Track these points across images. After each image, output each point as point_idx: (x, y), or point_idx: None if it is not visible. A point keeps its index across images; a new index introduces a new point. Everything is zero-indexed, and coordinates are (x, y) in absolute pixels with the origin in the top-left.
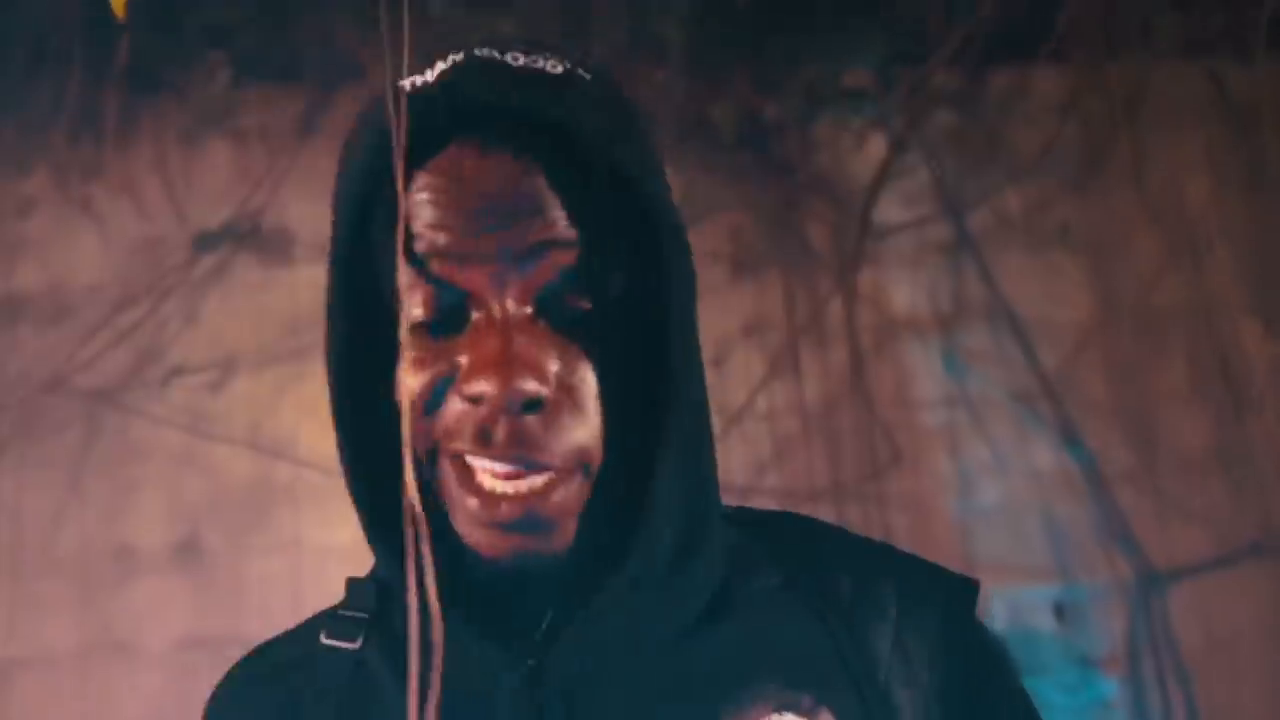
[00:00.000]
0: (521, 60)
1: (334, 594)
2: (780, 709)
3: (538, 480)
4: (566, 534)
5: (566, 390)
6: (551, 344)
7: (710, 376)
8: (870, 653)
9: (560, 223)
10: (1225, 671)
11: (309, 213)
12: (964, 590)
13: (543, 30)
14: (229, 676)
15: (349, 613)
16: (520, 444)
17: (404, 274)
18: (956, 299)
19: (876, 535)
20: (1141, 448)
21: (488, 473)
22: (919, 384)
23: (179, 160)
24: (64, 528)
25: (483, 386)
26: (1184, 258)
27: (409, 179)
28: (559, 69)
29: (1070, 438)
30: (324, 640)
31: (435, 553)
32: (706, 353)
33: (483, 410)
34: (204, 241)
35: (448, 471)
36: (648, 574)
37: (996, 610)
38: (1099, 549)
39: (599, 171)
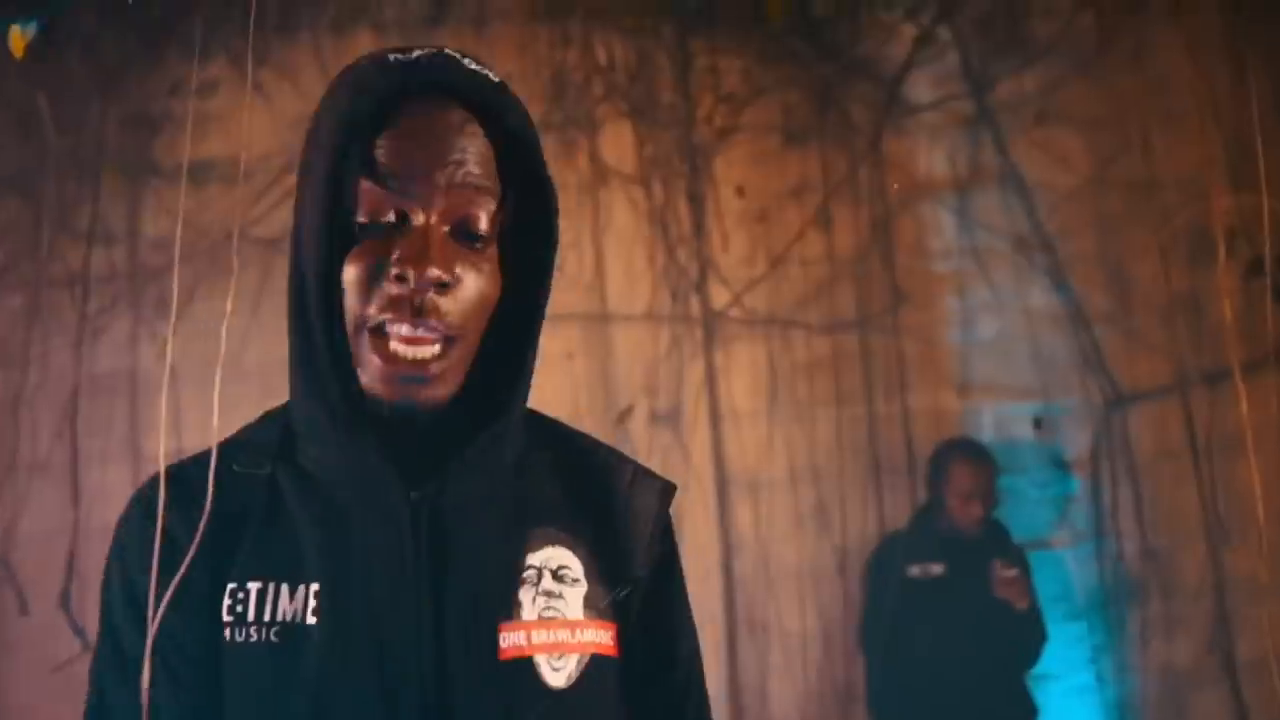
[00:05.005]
0: (474, 66)
1: None
2: (554, 543)
3: (429, 350)
4: (446, 389)
5: (465, 288)
6: (456, 254)
7: (757, 231)
8: (605, 519)
9: (478, 171)
10: (1169, 476)
11: None
12: (668, 489)
13: None
14: (140, 498)
15: (257, 441)
16: (423, 313)
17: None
18: (973, 166)
19: (893, 360)
20: (1118, 291)
21: (398, 339)
22: (935, 236)
23: (330, 49)
24: (249, 345)
25: (406, 268)
26: (1170, 133)
27: (383, 124)
28: (496, 80)
29: (1059, 282)
30: (236, 469)
31: (345, 402)
32: (758, 209)
33: (406, 288)
34: None
35: (365, 341)
36: (505, 431)
37: (985, 422)
38: (1075, 374)
39: (514, 150)
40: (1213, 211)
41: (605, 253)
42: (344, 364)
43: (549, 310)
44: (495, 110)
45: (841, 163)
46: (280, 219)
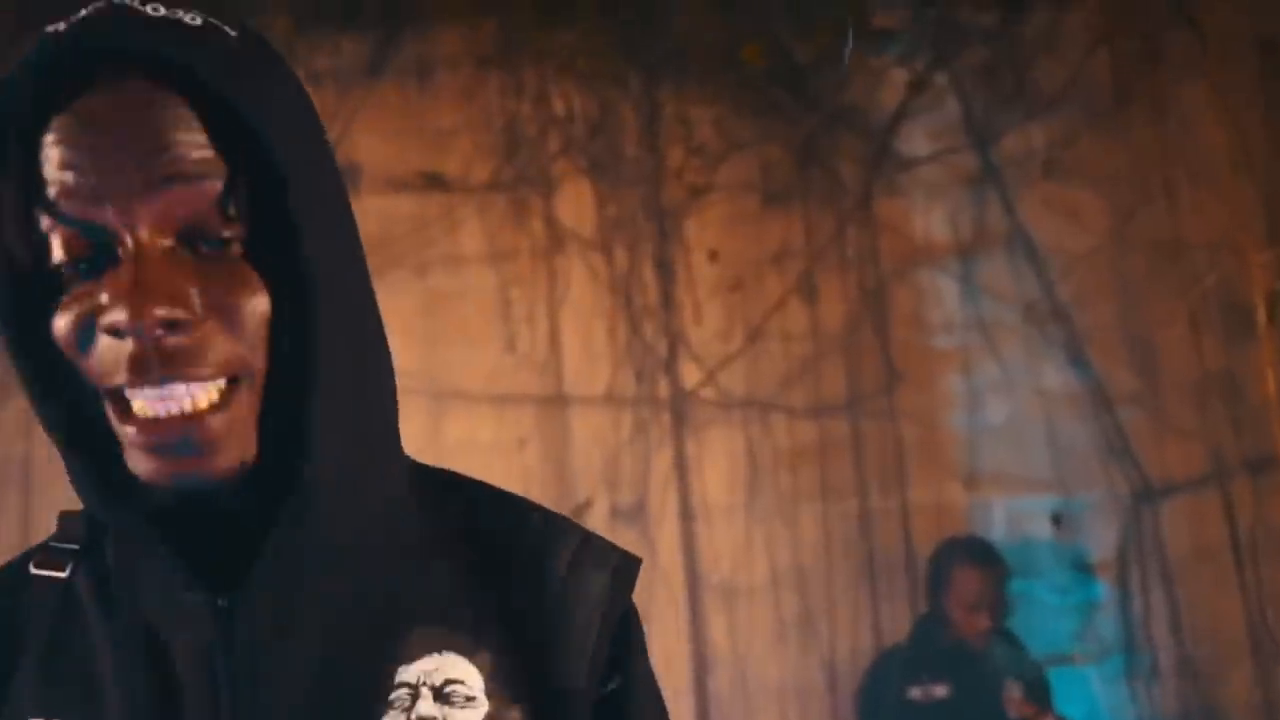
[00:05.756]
0: (161, 11)
1: None
2: (443, 648)
3: (191, 403)
4: (235, 453)
5: (216, 310)
6: (194, 271)
7: (733, 301)
8: (529, 611)
9: (190, 156)
10: (1208, 580)
11: (376, 147)
12: (628, 567)
13: None
14: None
15: (59, 544)
16: (168, 365)
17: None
18: (976, 227)
19: (889, 447)
20: (1143, 367)
21: (143, 400)
22: (935, 307)
23: None
24: None
25: (115, 317)
26: (1198, 191)
27: (43, 127)
28: (198, 21)
29: (1076, 357)
30: (33, 570)
31: (127, 489)
32: (734, 277)
33: (128, 343)
34: None
35: (109, 408)
36: (319, 505)
37: (995, 518)
38: (1098, 463)
39: (222, 114)
40: (1248, 273)
41: (561, 327)
42: (99, 440)
43: (496, 392)
44: (185, 64)
45: (827, 224)
46: None
